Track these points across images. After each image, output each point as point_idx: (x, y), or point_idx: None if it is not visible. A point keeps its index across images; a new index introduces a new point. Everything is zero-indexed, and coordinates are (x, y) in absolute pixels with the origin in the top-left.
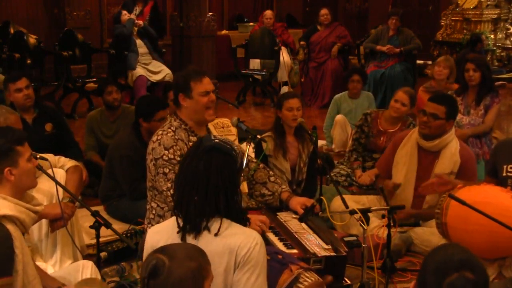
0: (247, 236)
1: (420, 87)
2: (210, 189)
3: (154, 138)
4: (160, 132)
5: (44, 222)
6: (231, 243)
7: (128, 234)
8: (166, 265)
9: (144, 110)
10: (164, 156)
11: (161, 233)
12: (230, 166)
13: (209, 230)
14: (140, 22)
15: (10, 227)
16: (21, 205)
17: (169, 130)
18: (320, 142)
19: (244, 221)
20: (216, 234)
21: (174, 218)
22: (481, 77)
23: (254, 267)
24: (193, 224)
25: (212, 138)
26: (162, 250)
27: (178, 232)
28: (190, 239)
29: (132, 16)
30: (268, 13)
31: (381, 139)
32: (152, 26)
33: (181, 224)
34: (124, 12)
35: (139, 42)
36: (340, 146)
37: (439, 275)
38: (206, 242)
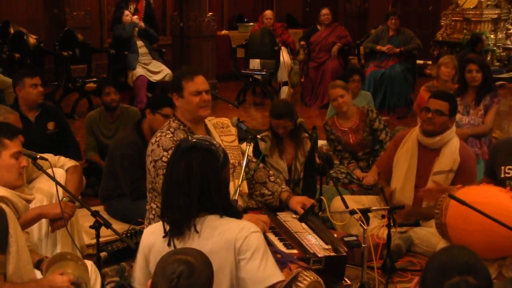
0: (242, 227)
1: (422, 86)
2: (193, 188)
3: (153, 140)
4: (159, 134)
5: (44, 221)
6: (227, 237)
7: (128, 234)
8: (195, 266)
9: (154, 100)
10: (163, 158)
11: (156, 233)
12: (211, 161)
13: (200, 230)
14: (142, 23)
15: (4, 207)
16: (11, 191)
17: (168, 131)
18: (320, 142)
19: (237, 214)
20: (207, 233)
21: None
22: (483, 77)
23: (255, 253)
24: (180, 227)
25: (190, 138)
26: (182, 252)
27: (164, 237)
28: (178, 243)
29: (135, 18)
30: (268, 13)
31: (350, 137)
32: (148, 23)
33: (167, 229)
34: (127, 12)
35: (139, 42)
36: None
37: (441, 276)
38: (203, 241)
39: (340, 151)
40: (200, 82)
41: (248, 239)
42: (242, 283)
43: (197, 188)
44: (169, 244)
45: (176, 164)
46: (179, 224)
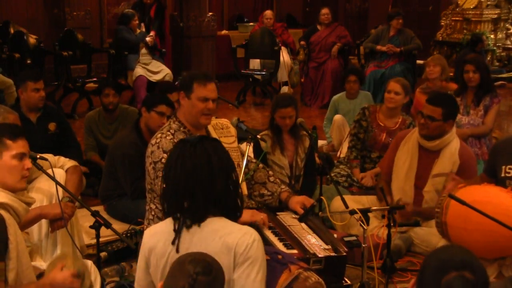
0: (244, 233)
1: (417, 89)
2: (214, 173)
3: (153, 141)
4: (159, 135)
5: (44, 222)
6: (229, 241)
7: (128, 234)
8: (213, 265)
9: (149, 98)
10: (163, 160)
11: (158, 235)
12: (223, 148)
13: (203, 231)
14: (151, 40)
15: (4, 214)
16: (12, 195)
17: (168, 133)
18: (320, 142)
19: (239, 213)
20: (208, 235)
21: (170, 219)
22: (480, 78)
23: (253, 264)
24: (195, 216)
25: (193, 135)
26: (198, 254)
27: (174, 230)
28: (185, 241)
29: (148, 38)
30: (268, 13)
31: (382, 135)
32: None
33: (177, 226)
34: (136, 18)
35: (140, 43)
36: (337, 146)
37: (438, 273)
38: (203, 243)
39: (359, 139)
40: (211, 90)
41: (250, 247)
42: (231, 283)
43: (218, 174)
44: (173, 243)
45: (187, 156)
46: (194, 214)
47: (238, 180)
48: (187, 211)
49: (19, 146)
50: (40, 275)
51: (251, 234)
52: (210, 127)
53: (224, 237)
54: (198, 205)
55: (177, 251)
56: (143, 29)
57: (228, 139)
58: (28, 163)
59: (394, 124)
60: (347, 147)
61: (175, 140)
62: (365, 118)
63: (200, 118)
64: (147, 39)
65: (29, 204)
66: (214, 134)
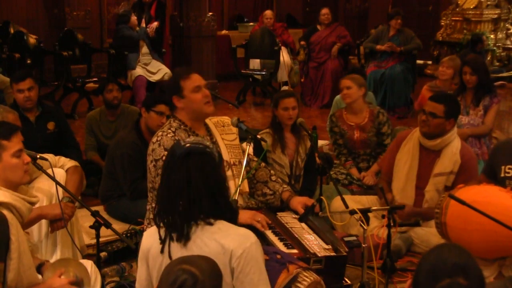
0: (241, 236)
1: (425, 86)
2: (194, 192)
3: (154, 139)
4: (160, 133)
5: (44, 222)
6: (225, 244)
7: (128, 234)
8: (199, 278)
9: (148, 99)
10: (164, 157)
11: (153, 236)
12: (210, 163)
13: (198, 235)
14: (152, 31)
15: (7, 214)
16: (16, 195)
17: (169, 131)
18: (320, 142)
19: (234, 218)
20: (205, 238)
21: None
22: (477, 80)
23: (254, 267)
24: (180, 231)
25: (183, 143)
26: (188, 261)
27: (161, 243)
28: (175, 248)
29: (149, 30)
30: (268, 13)
31: (355, 133)
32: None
33: (163, 235)
34: (133, 14)
35: (141, 42)
36: None
37: (431, 279)
38: (200, 245)
39: (340, 145)
40: (197, 79)
41: (248, 250)
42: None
43: (198, 192)
44: (162, 251)
45: (174, 170)
46: (179, 229)
47: (227, 191)
48: (171, 226)
49: (15, 143)
50: (40, 266)
51: (249, 237)
52: (211, 125)
53: (220, 240)
54: (176, 219)
55: (170, 257)
56: (143, 25)
57: (230, 136)
58: (26, 157)
59: (363, 119)
60: (335, 155)
61: (176, 138)
62: (335, 124)
63: (203, 108)
64: (147, 30)
65: (33, 203)
66: (215, 132)
